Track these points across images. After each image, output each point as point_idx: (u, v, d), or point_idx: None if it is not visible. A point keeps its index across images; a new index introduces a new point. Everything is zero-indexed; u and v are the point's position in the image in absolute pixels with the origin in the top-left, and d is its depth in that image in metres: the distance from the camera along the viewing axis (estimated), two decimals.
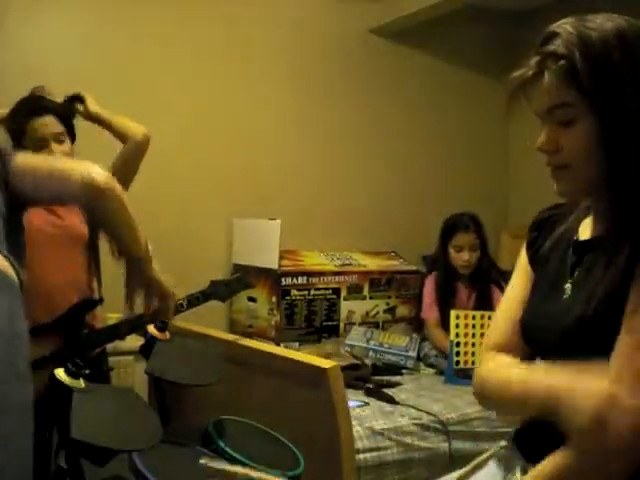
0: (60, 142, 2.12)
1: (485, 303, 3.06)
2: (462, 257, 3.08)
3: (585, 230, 1.09)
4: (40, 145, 2.07)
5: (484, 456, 1.13)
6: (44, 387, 1.36)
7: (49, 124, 2.10)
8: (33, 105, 2.13)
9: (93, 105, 2.33)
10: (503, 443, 1.15)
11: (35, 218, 2.10)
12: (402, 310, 3.51)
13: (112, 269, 3.09)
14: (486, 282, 3.11)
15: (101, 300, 2.13)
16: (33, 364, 1.73)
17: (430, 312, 3.17)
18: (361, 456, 2.20)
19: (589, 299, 0.99)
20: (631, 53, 0.97)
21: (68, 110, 2.22)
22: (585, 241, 1.07)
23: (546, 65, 0.99)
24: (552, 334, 1.05)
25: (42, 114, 2.10)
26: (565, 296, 1.05)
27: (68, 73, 2.95)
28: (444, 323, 3.04)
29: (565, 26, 1.00)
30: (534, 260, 1.17)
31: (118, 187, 1.48)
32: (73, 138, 2.21)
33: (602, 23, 0.98)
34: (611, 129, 0.96)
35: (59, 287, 2.11)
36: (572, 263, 1.07)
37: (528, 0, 3.75)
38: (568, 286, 1.05)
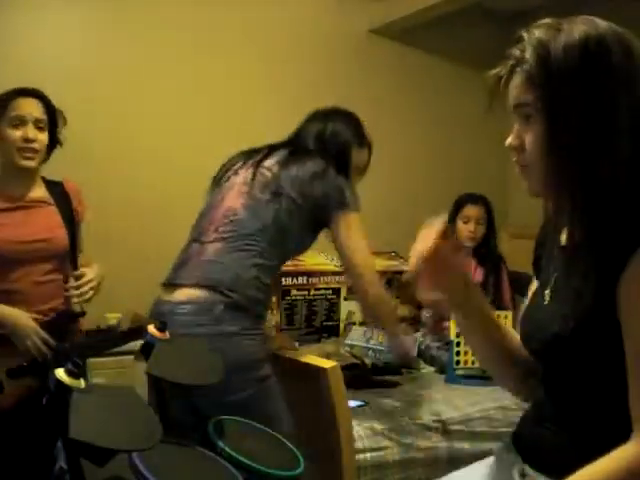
0: (40, 129, 2.07)
1: (494, 280, 3.11)
2: (468, 228, 3.15)
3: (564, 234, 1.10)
4: (17, 124, 2.03)
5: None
6: (24, 393, 1.36)
7: (33, 106, 2.07)
8: (25, 88, 2.10)
9: None
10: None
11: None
12: (402, 310, 3.51)
13: (112, 269, 3.10)
14: (495, 260, 3.17)
15: (83, 314, 2.10)
16: (9, 372, 1.78)
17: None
18: (361, 456, 2.20)
19: (565, 314, 0.99)
20: (591, 63, 0.96)
21: (57, 112, 2.19)
22: (563, 247, 1.09)
23: (516, 65, 1.02)
24: (535, 340, 1.06)
25: (30, 95, 2.08)
26: (545, 302, 1.06)
27: (66, 72, 2.95)
28: None
29: (535, 30, 1.01)
30: (535, 264, 1.18)
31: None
32: (52, 139, 2.15)
33: (571, 29, 0.98)
34: (555, 136, 0.97)
35: (35, 299, 2.07)
36: (553, 269, 1.08)
37: (528, 0, 3.75)
38: (547, 292, 1.06)
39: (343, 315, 3.36)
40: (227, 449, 1.50)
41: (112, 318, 2.97)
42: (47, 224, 2.15)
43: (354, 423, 2.16)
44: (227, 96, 3.43)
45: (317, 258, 3.44)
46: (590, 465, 0.92)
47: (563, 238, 1.09)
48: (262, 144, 3.72)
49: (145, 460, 1.23)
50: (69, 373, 1.15)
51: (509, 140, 1.06)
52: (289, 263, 3.33)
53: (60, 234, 2.17)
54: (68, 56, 3.04)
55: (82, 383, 1.17)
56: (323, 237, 3.75)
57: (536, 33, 1.01)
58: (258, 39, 3.49)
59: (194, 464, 1.43)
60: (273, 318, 3.17)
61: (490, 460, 1.19)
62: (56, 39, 3.07)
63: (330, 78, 3.70)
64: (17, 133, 2.02)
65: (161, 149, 3.24)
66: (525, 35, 1.02)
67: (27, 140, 2.03)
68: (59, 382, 1.13)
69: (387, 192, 3.83)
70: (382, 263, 3.59)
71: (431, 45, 3.98)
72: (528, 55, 1.00)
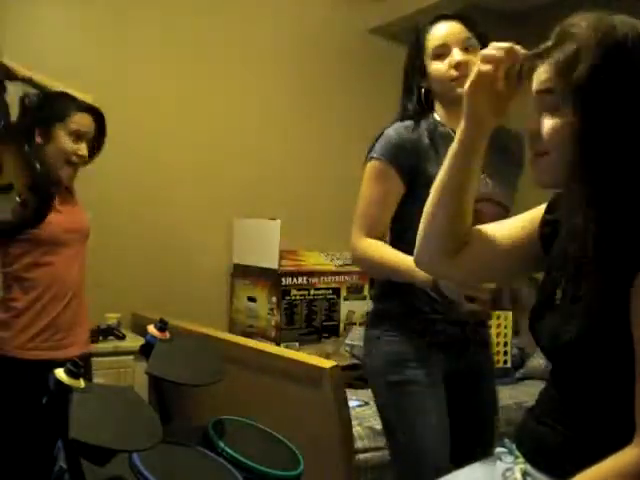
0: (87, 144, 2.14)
1: None
2: None
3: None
4: (75, 139, 2.09)
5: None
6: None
7: (91, 124, 2.14)
8: (88, 104, 2.16)
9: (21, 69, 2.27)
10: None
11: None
12: None
13: (112, 269, 3.09)
14: None
15: None
16: None
17: None
18: (361, 456, 2.20)
19: (577, 318, 0.97)
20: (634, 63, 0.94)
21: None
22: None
23: (553, 49, 0.98)
24: (547, 341, 1.05)
25: (91, 112, 2.14)
26: (556, 302, 1.04)
27: (67, 72, 2.95)
28: None
29: (584, 22, 0.97)
30: (544, 240, 1.13)
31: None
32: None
33: (619, 26, 0.95)
34: (592, 131, 0.94)
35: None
36: (565, 266, 1.05)
37: (528, 0, 3.75)
38: (559, 291, 1.05)
39: (343, 315, 3.37)
40: (227, 449, 1.50)
41: (112, 318, 2.96)
42: (79, 212, 2.24)
43: (354, 423, 2.16)
44: (226, 97, 3.43)
45: (317, 258, 3.44)
46: (589, 469, 0.92)
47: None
48: (260, 144, 3.74)
49: (145, 460, 1.23)
50: (69, 373, 1.16)
51: (529, 125, 1.02)
52: (289, 263, 3.35)
53: (83, 217, 2.26)
54: (73, 56, 3.04)
55: (82, 383, 1.18)
56: (323, 237, 3.76)
57: (582, 26, 0.97)
58: (257, 39, 3.48)
59: (194, 464, 1.43)
60: (273, 318, 3.17)
61: (491, 460, 1.18)
62: (54, 38, 3.07)
63: (329, 78, 3.70)
64: (73, 146, 2.09)
65: (162, 150, 3.24)
66: (574, 23, 0.98)
67: (80, 157, 2.12)
68: (59, 382, 1.14)
69: None
70: None
71: None
72: (575, 44, 0.95)
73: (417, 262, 1.22)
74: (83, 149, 2.12)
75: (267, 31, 3.50)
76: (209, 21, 3.33)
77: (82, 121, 2.12)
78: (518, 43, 1.05)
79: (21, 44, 2.97)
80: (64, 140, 2.10)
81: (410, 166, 1.64)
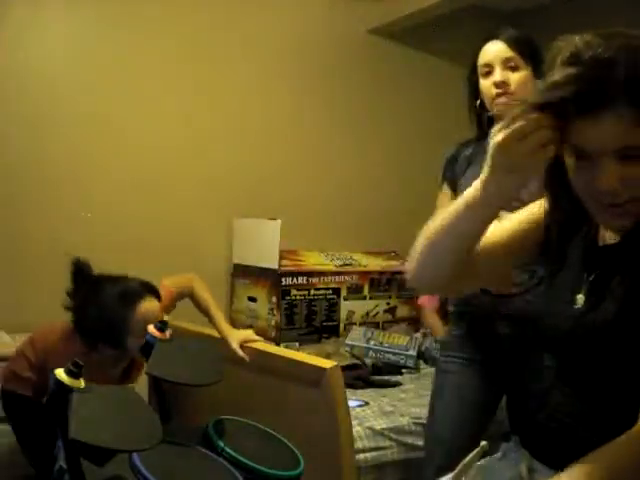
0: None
1: None
2: None
3: (606, 235, 1.03)
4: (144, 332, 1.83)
5: (472, 454, 1.11)
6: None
7: (155, 308, 1.93)
8: (147, 285, 1.97)
9: None
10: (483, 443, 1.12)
11: None
12: (402, 310, 3.51)
13: (112, 269, 3.07)
14: None
15: None
16: None
17: (429, 299, 3.21)
18: (361, 456, 2.20)
19: (601, 309, 0.96)
20: None
21: None
22: (606, 247, 1.03)
23: (614, 101, 0.85)
24: (568, 346, 1.03)
25: (153, 294, 1.95)
26: (576, 306, 1.03)
27: (66, 73, 2.96)
28: (442, 310, 3.09)
29: (602, 50, 0.87)
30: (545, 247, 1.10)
31: None
32: None
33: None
34: None
35: None
36: (588, 270, 1.03)
37: (528, 0, 3.75)
38: (580, 296, 1.03)
39: (343, 315, 3.36)
40: (227, 449, 1.51)
41: None
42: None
43: (354, 423, 2.16)
44: (225, 97, 3.43)
45: (317, 258, 3.44)
46: (599, 451, 0.90)
47: (604, 237, 1.03)
48: (260, 144, 3.74)
49: (145, 460, 1.23)
50: (69, 373, 1.16)
51: (609, 184, 0.89)
52: (289, 263, 3.35)
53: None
54: (65, 57, 3.04)
55: (82, 383, 1.18)
56: (323, 237, 3.76)
57: (607, 53, 0.85)
58: (256, 40, 3.48)
59: (194, 464, 1.43)
60: (273, 318, 3.17)
61: (496, 457, 1.18)
62: (54, 39, 3.07)
63: (328, 79, 3.70)
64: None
65: (162, 150, 3.24)
66: (610, 56, 0.85)
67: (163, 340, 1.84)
68: (59, 382, 1.14)
69: (387, 192, 3.83)
70: (382, 263, 3.59)
71: (431, 45, 3.97)
72: (624, 91, 0.84)
73: (421, 285, 1.17)
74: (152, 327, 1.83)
75: (267, 31, 3.49)
76: (209, 21, 3.33)
77: (147, 314, 1.86)
78: None
79: (21, 44, 2.97)
80: (138, 344, 1.83)
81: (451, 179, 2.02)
